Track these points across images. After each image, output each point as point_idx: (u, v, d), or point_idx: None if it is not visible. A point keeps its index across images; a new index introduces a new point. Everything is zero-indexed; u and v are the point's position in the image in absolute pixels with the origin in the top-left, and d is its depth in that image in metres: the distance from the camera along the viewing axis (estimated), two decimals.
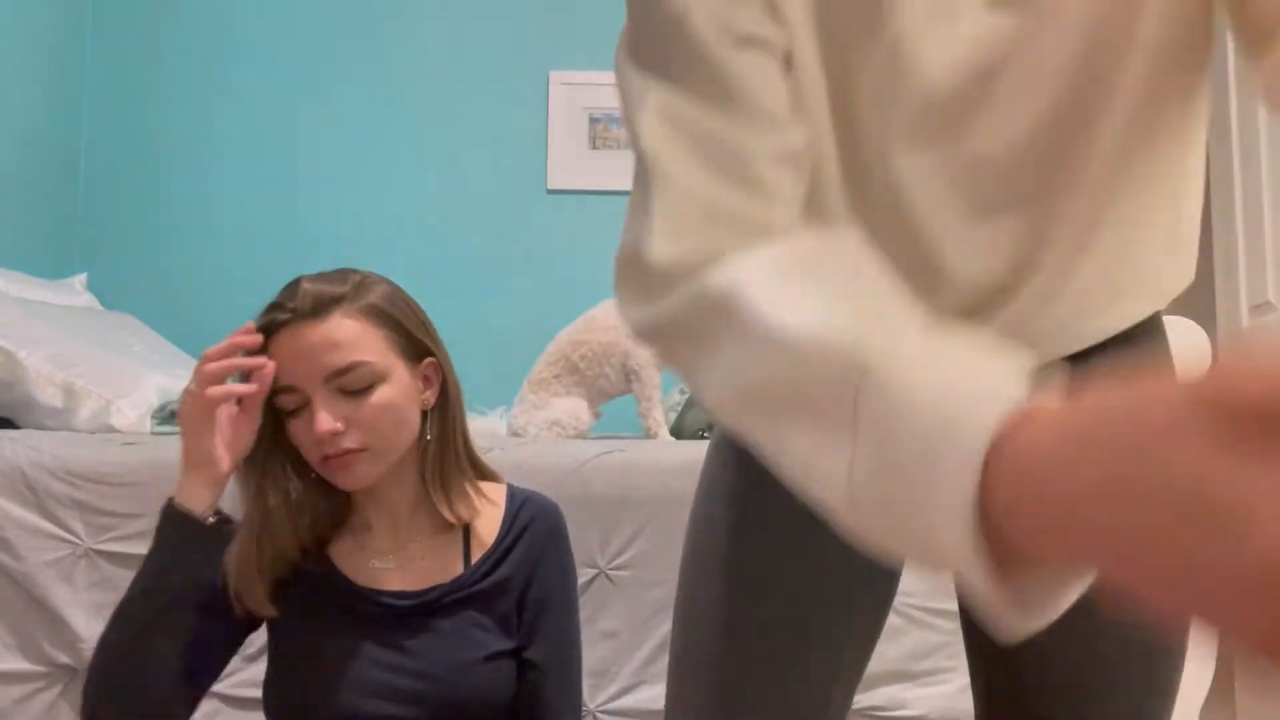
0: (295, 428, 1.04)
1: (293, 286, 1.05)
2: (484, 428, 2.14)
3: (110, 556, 1.47)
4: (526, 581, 1.13)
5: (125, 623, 1.01)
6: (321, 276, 1.06)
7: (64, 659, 1.43)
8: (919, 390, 0.41)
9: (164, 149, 2.89)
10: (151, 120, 2.89)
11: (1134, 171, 0.68)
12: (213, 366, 1.02)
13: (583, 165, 2.91)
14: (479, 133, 2.93)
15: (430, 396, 1.11)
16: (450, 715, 1.06)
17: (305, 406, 1.03)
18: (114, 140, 2.88)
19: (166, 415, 1.88)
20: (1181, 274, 0.82)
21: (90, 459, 1.52)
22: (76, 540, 1.47)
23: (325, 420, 1.00)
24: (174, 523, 1.04)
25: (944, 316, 0.60)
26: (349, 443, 1.01)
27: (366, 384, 1.03)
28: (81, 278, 2.70)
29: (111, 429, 1.83)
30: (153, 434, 1.82)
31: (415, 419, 1.09)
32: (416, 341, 1.09)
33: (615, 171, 2.88)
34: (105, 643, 1.01)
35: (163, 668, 1.00)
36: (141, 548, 1.47)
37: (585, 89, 2.93)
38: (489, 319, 2.75)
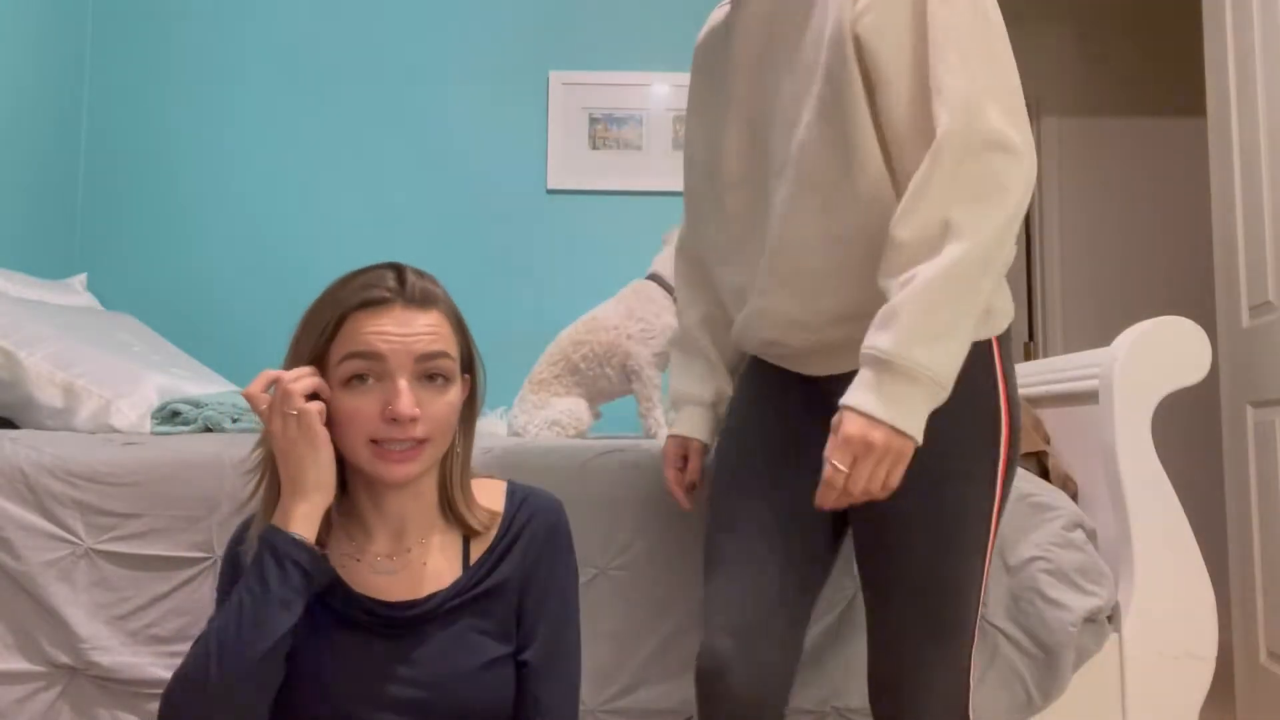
0: (356, 401, 1.02)
1: (393, 272, 1.07)
2: (483, 428, 2.14)
3: (110, 557, 1.46)
4: (525, 581, 1.12)
5: (229, 660, 0.97)
6: (420, 273, 1.09)
7: (63, 659, 1.43)
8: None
9: (164, 149, 2.89)
10: (151, 121, 2.89)
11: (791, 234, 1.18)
12: (303, 384, 1.02)
13: (583, 165, 2.91)
14: (479, 133, 2.93)
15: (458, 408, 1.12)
16: None
17: (373, 379, 1.03)
18: (114, 140, 2.88)
19: (167, 415, 1.88)
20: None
21: (91, 459, 1.51)
22: (76, 540, 1.47)
23: (409, 404, 1.01)
24: (291, 556, 1.00)
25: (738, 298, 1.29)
26: (418, 431, 1.03)
27: (445, 378, 1.06)
28: (81, 278, 2.70)
29: (112, 429, 1.83)
30: (153, 434, 1.82)
31: (454, 431, 1.11)
32: (472, 355, 1.13)
33: (615, 171, 2.88)
34: (200, 679, 0.97)
35: (259, 710, 1.00)
36: (142, 548, 1.48)
37: (585, 89, 2.93)
38: (489, 319, 2.75)
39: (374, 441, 1.03)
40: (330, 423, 1.05)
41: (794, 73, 1.17)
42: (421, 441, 1.04)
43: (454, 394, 1.08)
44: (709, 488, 1.33)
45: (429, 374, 1.05)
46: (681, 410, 1.39)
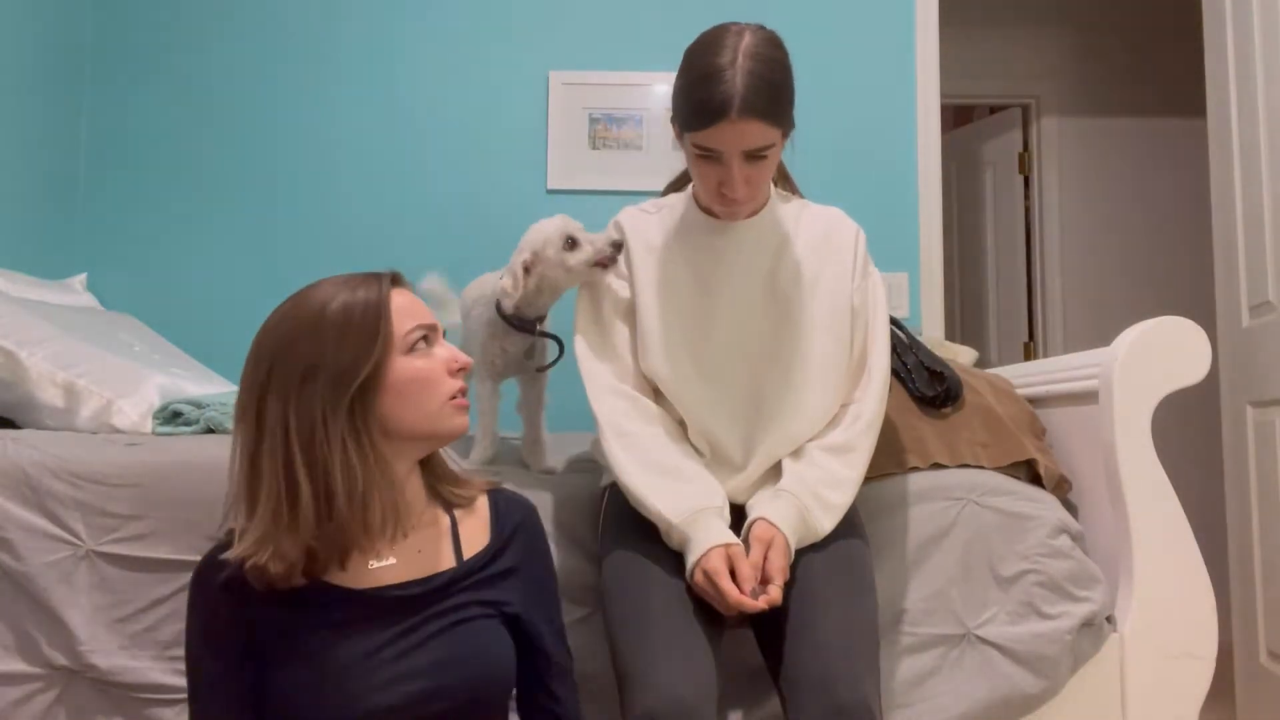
0: (426, 361, 1.13)
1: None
2: None
3: (111, 559, 1.46)
4: (528, 581, 1.20)
5: None
6: None
7: (62, 661, 1.42)
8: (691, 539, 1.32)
9: (164, 149, 2.89)
10: (151, 121, 2.89)
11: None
12: None
13: (583, 165, 2.91)
14: (479, 133, 2.93)
15: None
16: (464, 699, 1.09)
17: (430, 344, 1.15)
18: (114, 140, 2.88)
19: (169, 416, 1.88)
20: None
21: (92, 459, 1.51)
22: (78, 542, 1.46)
23: (458, 352, 1.16)
24: None
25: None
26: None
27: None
28: (81, 278, 2.70)
29: (113, 429, 1.83)
30: (155, 435, 1.82)
31: None
32: None
33: (615, 171, 2.88)
34: None
35: None
36: (143, 550, 1.48)
37: (585, 89, 2.93)
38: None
39: (450, 397, 1.14)
40: (396, 394, 1.11)
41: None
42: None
43: None
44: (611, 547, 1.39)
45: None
46: (700, 522, 1.31)
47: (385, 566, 1.12)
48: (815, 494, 1.36)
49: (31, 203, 2.64)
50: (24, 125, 2.59)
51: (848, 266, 1.50)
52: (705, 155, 1.36)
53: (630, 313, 1.50)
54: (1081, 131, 4.17)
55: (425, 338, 1.14)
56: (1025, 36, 4.21)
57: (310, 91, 2.92)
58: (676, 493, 1.35)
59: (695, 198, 1.54)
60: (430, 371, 1.12)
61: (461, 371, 1.15)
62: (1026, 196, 4.24)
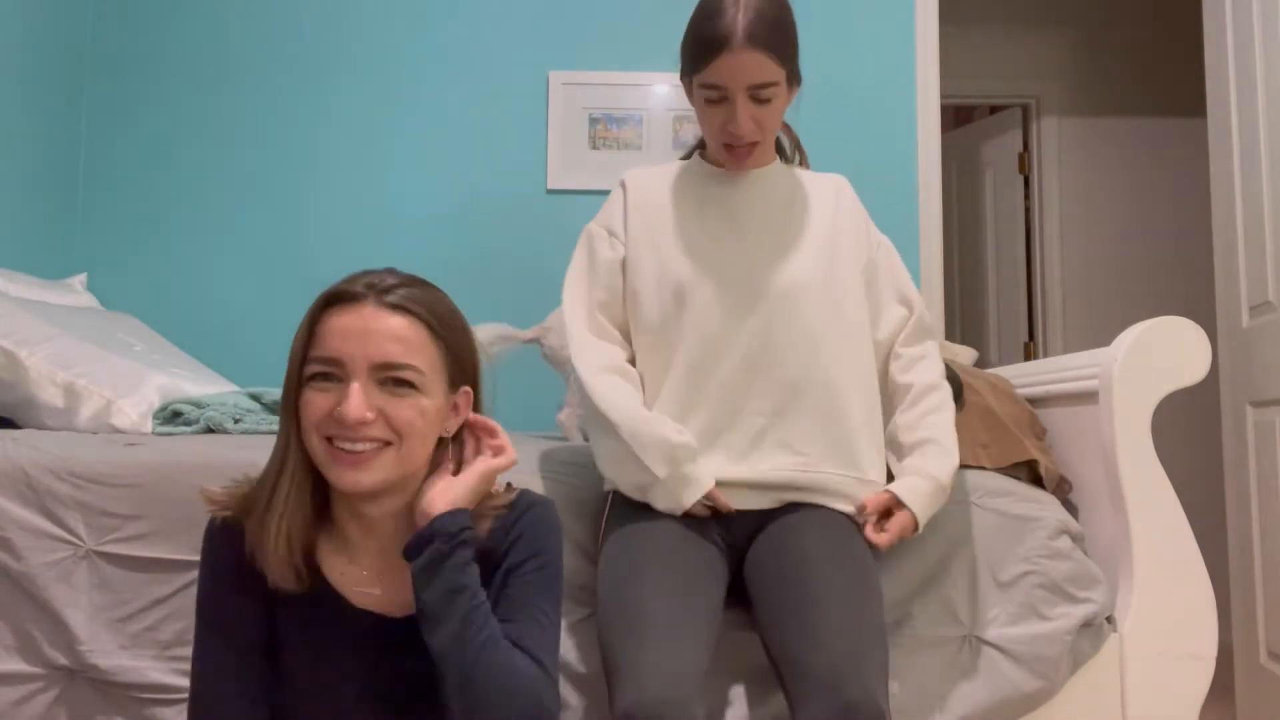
0: (314, 399, 1.00)
1: (380, 274, 1.05)
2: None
3: (111, 558, 1.46)
4: (519, 585, 1.09)
5: None
6: (405, 276, 1.06)
7: (63, 661, 1.43)
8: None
9: (164, 149, 2.89)
10: (151, 120, 2.89)
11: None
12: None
13: (583, 165, 2.91)
14: (479, 133, 2.93)
15: (453, 425, 1.09)
16: None
17: (336, 382, 1.01)
18: (114, 140, 2.88)
19: (169, 416, 1.88)
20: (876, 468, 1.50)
21: (93, 459, 1.51)
22: (78, 541, 1.46)
23: (358, 407, 0.98)
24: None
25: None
26: (376, 432, 1.00)
27: (412, 386, 1.02)
28: (81, 278, 2.70)
29: (113, 429, 1.83)
30: (155, 435, 1.82)
31: (432, 444, 1.06)
32: (464, 368, 1.09)
33: (615, 171, 2.88)
34: None
35: None
36: (143, 550, 1.48)
37: (585, 89, 2.93)
38: (488, 320, 2.75)
39: (327, 439, 1.00)
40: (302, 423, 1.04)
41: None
42: (384, 444, 1.01)
43: (426, 403, 1.03)
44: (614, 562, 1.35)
45: (393, 380, 1.01)
46: (699, 460, 1.40)
47: (371, 593, 1.07)
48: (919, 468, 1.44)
49: (31, 203, 2.64)
50: (24, 125, 2.59)
51: (859, 225, 1.57)
52: (711, 97, 1.42)
53: (618, 272, 1.52)
54: (1081, 131, 4.17)
55: (324, 374, 1.01)
56: (1025, 36, 4.21)
57: (309, 91, 2.92)
58: (660, 425, 1.39)
59: (703, 153, 1.58)
60: (306, 406, 1.01)
61: (338, 424, 0.99)
62: (1026, 196, 4.24)
